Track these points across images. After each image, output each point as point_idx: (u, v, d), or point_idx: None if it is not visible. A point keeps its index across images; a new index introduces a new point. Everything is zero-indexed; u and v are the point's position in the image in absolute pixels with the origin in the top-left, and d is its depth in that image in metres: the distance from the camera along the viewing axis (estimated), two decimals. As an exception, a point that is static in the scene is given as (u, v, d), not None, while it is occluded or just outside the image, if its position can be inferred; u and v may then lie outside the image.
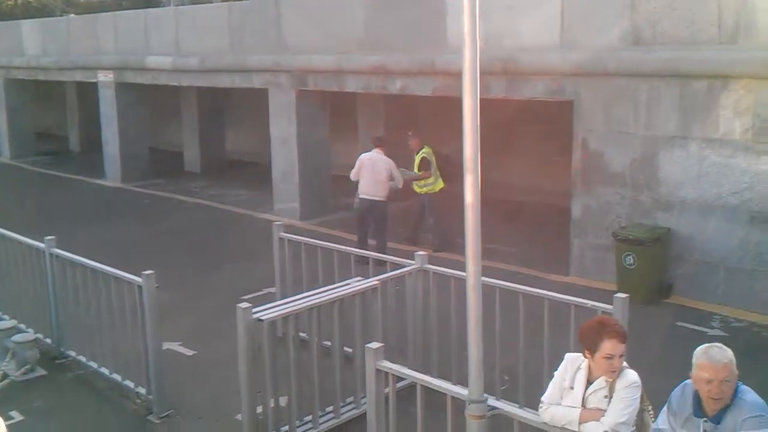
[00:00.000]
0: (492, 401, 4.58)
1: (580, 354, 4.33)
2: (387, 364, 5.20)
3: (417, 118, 16.39)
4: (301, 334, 6.73)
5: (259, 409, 6.31)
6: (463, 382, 4.71)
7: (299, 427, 6.56)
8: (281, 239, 8.73)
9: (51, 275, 8.41)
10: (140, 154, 20.02)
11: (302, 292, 7.18)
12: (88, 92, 22.47)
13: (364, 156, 11.78)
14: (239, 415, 6.46)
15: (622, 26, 10.13)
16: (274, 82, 15.15)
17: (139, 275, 7.04)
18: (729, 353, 3.96)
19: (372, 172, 11.63)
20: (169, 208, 16.92)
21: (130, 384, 7.46)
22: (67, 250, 8.28)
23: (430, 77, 12.44)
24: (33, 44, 22.81)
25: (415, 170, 12.43)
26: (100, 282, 7.66)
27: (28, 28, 23.12)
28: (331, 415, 6.79)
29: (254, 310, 6.24)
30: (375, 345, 5.27)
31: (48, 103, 28.21)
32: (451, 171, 12.17)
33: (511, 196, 15.36)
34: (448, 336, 7.06)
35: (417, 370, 5.66)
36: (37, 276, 8.66)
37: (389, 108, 15.89)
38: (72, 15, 24.08)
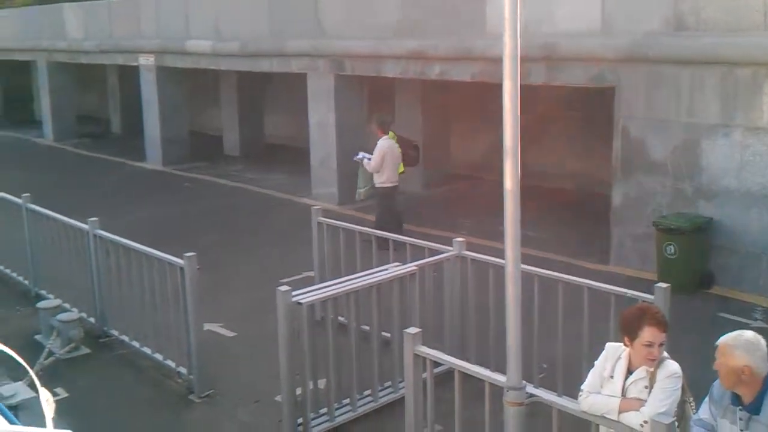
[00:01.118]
0: (530, 388, 4.60)
1: (621, 344, 4.32)
2: (425, 350, 5.23)
3: (455, 104, 16.37)
4: (340, 318, 6.80)
5: (298, 391, 6.39)
6: (501, 369, 4.72)
7: (337, 409, 6.64)
8: (320, 224, 8.79)
9: (94, 256, 8.58)
10: (181, 137, 20.21)
11: (340, 277, 7.25)
12: (129, 75, 22.72)
13: (384, 145, 11.73)
14: (278, 396, 6.55)
15: (664, 12, 9.98)
16: (312, 67, 15.19)
17: (180, 257, 7.16)
18: (732, 339, 3.98)
19: (393, 159, 11.81)
20: (209, 191, 17.11)
21: (171, 364, 7.61)
22: (109, 231, 8.44)
23: (469, 63, 12.39)
24: (75, 27, 23.10)
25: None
26: (142, 263, 7.80)
27: (70, 11, 23.39)
28: (369, 398, 6.85)
29: (294, 293, 6.31)
30: (413, 330, 5.30)
31: (90, 86, 28.58)
32: (415, 156, 12.30)
33: (550, 184, 15.26)
34: (486, 322, 7.07)
35: (455, 356, 5.67)
36: (81, 256, 8.84)
37: (427, 93, 15.84)
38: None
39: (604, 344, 4.49)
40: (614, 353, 4.35)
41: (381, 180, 11.82)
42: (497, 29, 4.28)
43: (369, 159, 12.11)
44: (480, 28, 11.98)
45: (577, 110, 14.86)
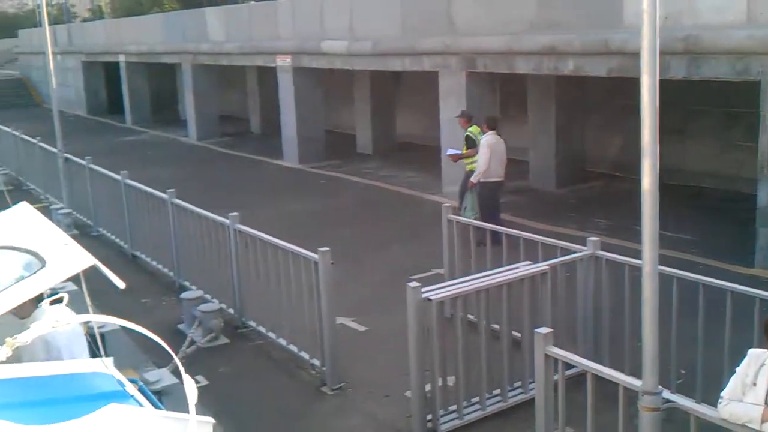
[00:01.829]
0: (667, 394, 4.45)
1: (765, 350, 4.12)
2: (556, 351, 5.15)
3: (591, 99, 15.99)
4: (470, 316, 6.79)
5: (428, 387, 6.44)
6: (636, 373, 4.59)
7: (466, 407, 6.63)
8: (450, 221, 8.81)
9: (234, 249, 8.93)
10: (317, 136, 20.68)
11: (470, 274, 7.23)
12: (267, 76, 23.47)
13: (491, 141, 11.71)
14: (408, 392, 6.61)
15: (820, 0, 9.39)
16: (443, 65, 15.21)
17: (314, 251, 7.34)
18: None
19: (499, 154, 11.79)
20: (343, 188, 17.47)
21: (305, 355, 7.83)
22: (248, 226, 8.77)
23: (606, 57, 12.05)
24: (217, 31, 24.11)
25: (463, 149, 12.53)
26: (278, 257, 8.05)
27: (213, 15, 24.44)
28: (499, 398, 6.81)
29: (423, 290, 6.35)
30: (544, 330, 5.23)
31: (230, 87, 29.75)
32: None
33: (690, 182, 14.66)
34: (621, 325, 6.88)
35: (587, 358, 5.55)
36: (221, 250, 9.22)
37: (561, 88, 15.54)
38: (253, 1, 25.17)
39: (747, 350, 4.29)
40: (757, 360, 4.15)
41: (487, 175, 11.74)
42: (635, 22, 4.16)
43: (458, 152, 12.48)
44: (617, 21, 11.65)
45: (718, 105, 14.20)
